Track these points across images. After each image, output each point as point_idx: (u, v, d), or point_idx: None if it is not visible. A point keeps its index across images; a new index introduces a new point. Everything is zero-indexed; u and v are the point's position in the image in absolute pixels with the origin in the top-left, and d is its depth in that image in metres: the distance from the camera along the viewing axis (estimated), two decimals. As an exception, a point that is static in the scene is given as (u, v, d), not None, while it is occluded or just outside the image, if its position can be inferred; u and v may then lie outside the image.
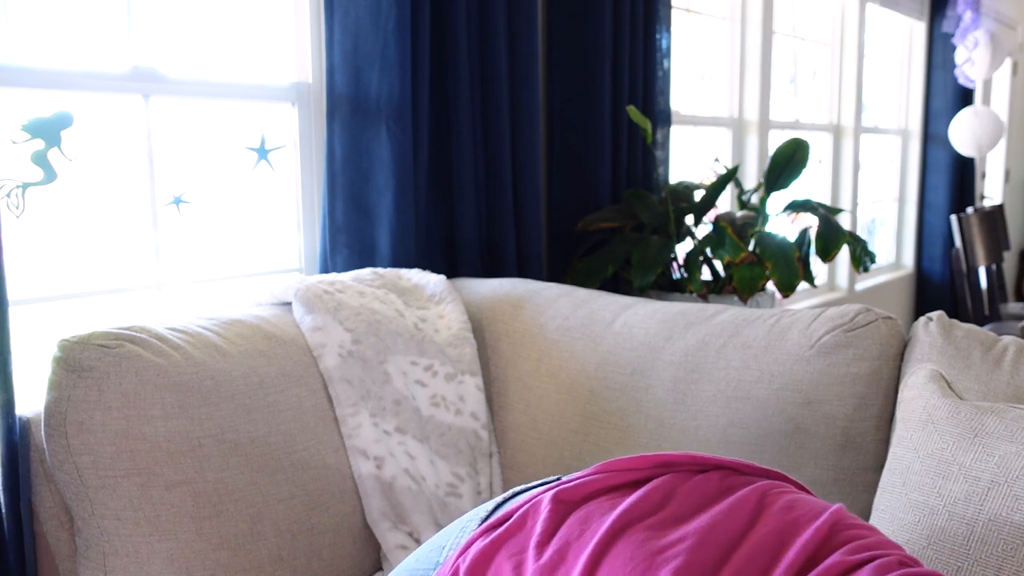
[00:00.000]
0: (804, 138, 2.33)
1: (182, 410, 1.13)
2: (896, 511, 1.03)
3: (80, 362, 1.09)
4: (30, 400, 1.19)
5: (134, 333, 1.15)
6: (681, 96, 3.11)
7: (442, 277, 1.63)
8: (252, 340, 1.29)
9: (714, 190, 2.29)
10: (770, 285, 2.14)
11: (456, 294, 1.60)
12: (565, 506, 0.82)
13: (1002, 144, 5.20)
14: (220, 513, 1.14)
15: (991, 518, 0.94)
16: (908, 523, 1.01)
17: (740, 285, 2.08)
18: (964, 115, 4.35)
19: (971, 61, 4.35)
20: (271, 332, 1.34)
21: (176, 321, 1.27)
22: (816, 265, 2.54)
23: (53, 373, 1.10)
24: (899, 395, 1.13)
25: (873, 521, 1.08)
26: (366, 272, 1.60)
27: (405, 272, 1.66)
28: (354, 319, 1.42)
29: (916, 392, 1.09)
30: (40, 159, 1.39)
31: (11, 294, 1.15)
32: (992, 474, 0.95)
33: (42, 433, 1.11)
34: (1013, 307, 4.19)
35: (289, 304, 1.46)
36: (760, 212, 2.29)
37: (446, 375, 1.47)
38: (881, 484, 1.09)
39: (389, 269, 1.66)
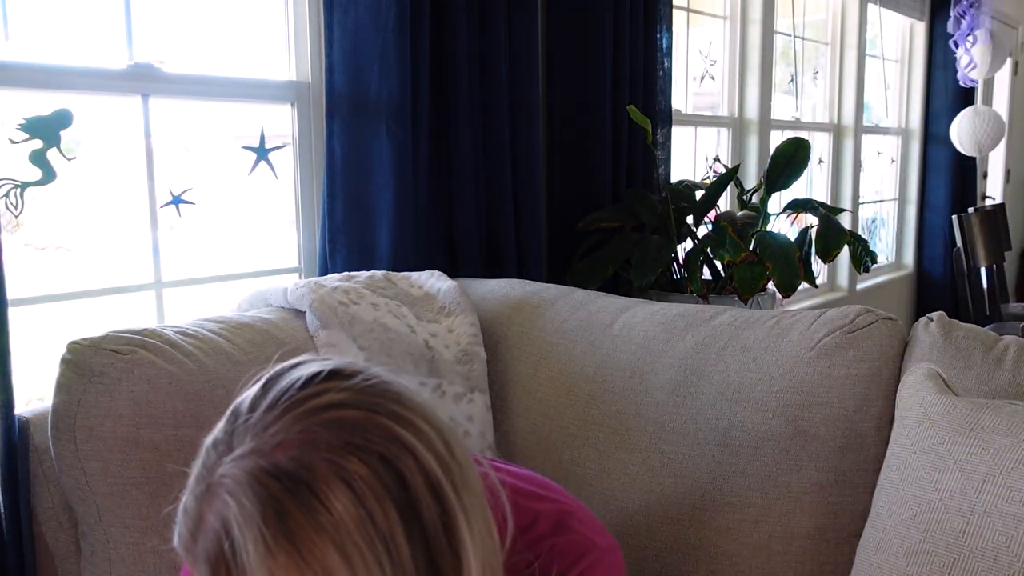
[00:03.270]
0: (805, 138, 2.33)
1: (193, 419, 1.12)
2: (894, 507, 1.03)
3: (91, 366, 1.08)
4: (29, 400, 1.19)
5: (145, 339, 1.14)
6: (681, 96, 3.11)
7: (453, 284, 1.61)
8: (262, 347, 1.28)
9: (714, 190, 2.29)
10: (771, 285, 2.14)
11: (467, 301, 1.57)
12: None
13: (1003, 144, 5.20)
14: (228, 525, 1.13)
15: (986, 510, 0.94)
16: (905, 518, 1.01)
17: (740, 285, 2.08)
18: (965, 115, 4.35)
19: (973, 64, 4.35)
20: (281, 339, 1.33)
21: (185, 323, 1.26)
22: (817, 265, 2.54)
23: (62, 376, 1.09)
24: (897, 394, 1.13)
25: (872, 518, 1.08)
26: (379, 276, 1.58)
27: (416, 277, 1.64)
28: (367, 336, 1.41)
29: (913, 390, 1.09)
30: (39, 159, 1.38)
31: (10, 294, 1.15)
32: (987, 467, 0.96)
33: (48, 435, 1.10)
34: (1014, 307, 4.18)
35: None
36: (760, 212, 2.29)
37: (455, 395, 1.46)
38: (879, 481, 1.10)
39: (401, 274, 1.64)
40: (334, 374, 0.61)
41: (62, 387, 1.08)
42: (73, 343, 1.10)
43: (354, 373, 0.62)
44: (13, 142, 1.37)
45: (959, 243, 3.80)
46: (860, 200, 4.31)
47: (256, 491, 0.55)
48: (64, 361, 1.09)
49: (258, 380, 0.63)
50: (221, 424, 0.62)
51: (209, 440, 0.62)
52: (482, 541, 0.61)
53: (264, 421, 0.59)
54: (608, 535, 0.87)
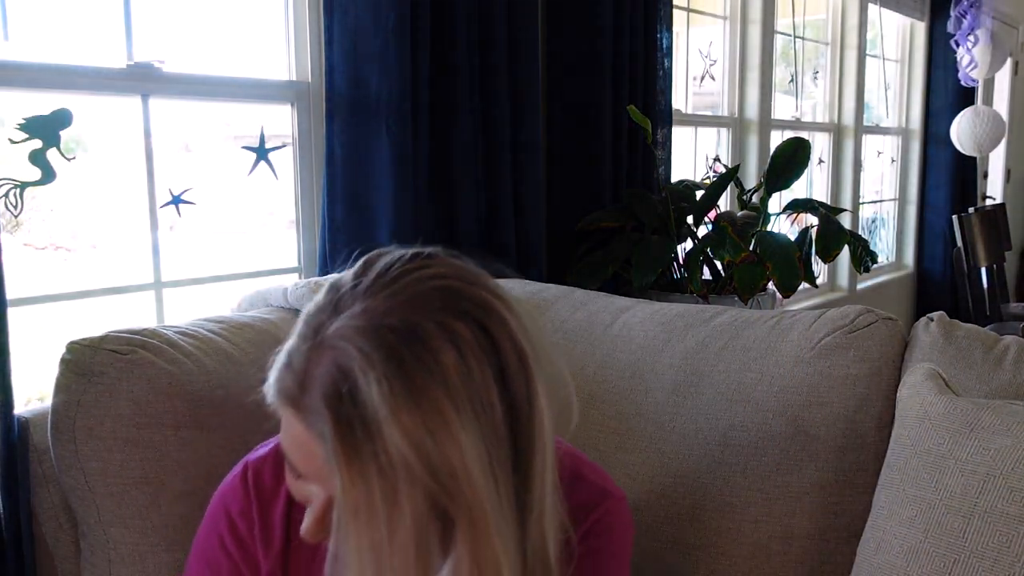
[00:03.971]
0: (805, 138, 2.33)
1: (193, 420, 1.12)
2: (894, 506, 1.03)
3: (91, 367, 1.08)
4: (29, 400, 1.18)
5: (146, 339, 1.13)
6: (681, 96, 3.11)
7: None
8: (261, 347, 1.27)
9: (715, 190, 2.29)
10: (771, 285, 2.14)
11: None
12: None
13: (1003, 144, 5.20)
14: (230, 526, 1.13)
15: (987, 510, 0.94)
16: (906, 518, 1.01)
17: (741, 285, 2.08)
18: (965, 115, 4.35)
19: (974, 63, 4.35)
20: (281, 338, 1.31)
21: (185, 324, 1.26)
22: (817, 265, 2.54)
23: (62, 376, 1.08)
24: (898, 394, 1.13)
25: (872, 517, 1.08)
26: None
27: None
28: None
29: (914, 390, 1.09)
30: (38, 159, 1.38)
31: (10, 294, 1.15)
32: (988, 467, 0.96)
33: (48, 436, 1.10)
34: (1014, 307, 4.18)
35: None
36: (761, 212, 2.29)
37: None
38: (880, 481, 1.10)
39: None
40: (432, 255, 0.68)
41: (62, 387, 1.08)
42: (73, 343, 1.10)
43: (447, 257, 0.69)
44: (13, 142, 1.37)
45: (959, 243, 3.80)
46: (860, 200, 4.31)
47: (375, 341, 0.60)
48: (64, 361, 1.09)
49: (345, 269, 0.69)
50: (319, 298, 0.68)
51: (310, 309, 0.68)
52: (551, 423, 0.66)
53: (372, 288, 0.64)
54: (617, 487, 0.89)
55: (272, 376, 0.67)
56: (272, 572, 0.83)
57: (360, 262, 0.68)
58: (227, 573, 0.84)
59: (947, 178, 4.82)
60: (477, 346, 0.61)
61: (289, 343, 0.68)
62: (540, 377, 0.65)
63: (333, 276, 0.69)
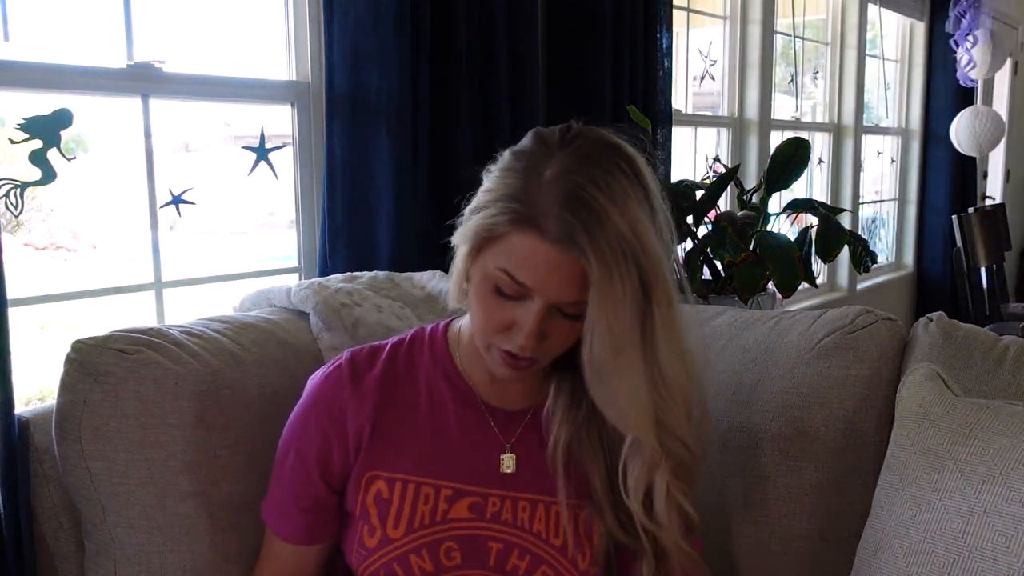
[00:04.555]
0: (805, 138, 2.33)
1: (199, 420, 1.11)
2: (893, 506, 1.04)
3: (96, 366, 1.07)
4: (29, 400, 1.18)
5: (151, 338, 1.13)
6: (681, 96, 3.11)
7: None
8: (265, 347, 1.27)
9: (715, 190, 2.29)
10: (771, 285, 2.14)
11: None
12: None
13: (1003, 144, 5.20)
14: (235, 526, 1.13)
15: (986, 510, 0.94)
16: (905, 518, 1.01)
17: (741, 285, 2.08)
18: (965, 115, 4.36)
19: (973, 63, 4.35)
20: (284, 339, 1.32)
21: (190, 323, 1.25)
22: (817, 265, 2.54)
23: (67, 375, 1.08)
24: (897, 394, 1.13)
25: (872, 518, 1.09)
26: (382, 276, 1.58)
27: (418, 278, 1.63)
28: (370, 339, 1.40)
29: (913, 390, 1.09)
30: (39, 159, 1.38)
31: (10, 294, 1.15)
32: (987, 468, 0.96)
33: (52, 435, 1.10)
34: (1014, 307, 4.19)
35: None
36: (760, 212, 2.29)
37: None
38: (879, 481, 1.10)
39: (404, 274, 1.63)
40: (582, 128, 0.94)
41: (67, 386, 1.07)
42: (78, 342, 1.10)
43: (593, 127, 0.95)
44: (13, 142, 1.37)
45: (959, 243, 3.81)
46: (860, 200, 4.31)
47: (586, 174, 0.88)
48: (69, 360, 1.09)
49: (519, 146, 0.94)
50: (509, 160, 0.93)
51: (508, 166, 0.92)
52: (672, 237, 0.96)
53: (562, 146, 0.91)
54: None
55: (487, 217, 0.90)
56: (360, 429, 1.02)
57: (531, 136, 0.94)
58: (315, 431, 1.04)
59: (947, 178, 4.82)
60: (634, 178, 0.90)
61: (486, 196, 0.92)
62: (663, 208, 0.94)
63: (513, 148, 0.94)
